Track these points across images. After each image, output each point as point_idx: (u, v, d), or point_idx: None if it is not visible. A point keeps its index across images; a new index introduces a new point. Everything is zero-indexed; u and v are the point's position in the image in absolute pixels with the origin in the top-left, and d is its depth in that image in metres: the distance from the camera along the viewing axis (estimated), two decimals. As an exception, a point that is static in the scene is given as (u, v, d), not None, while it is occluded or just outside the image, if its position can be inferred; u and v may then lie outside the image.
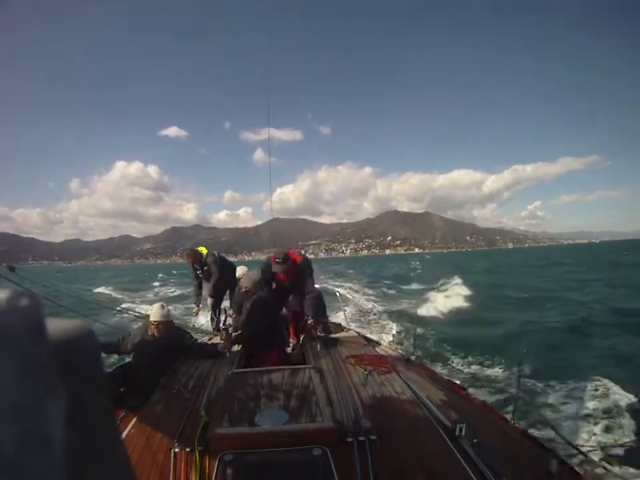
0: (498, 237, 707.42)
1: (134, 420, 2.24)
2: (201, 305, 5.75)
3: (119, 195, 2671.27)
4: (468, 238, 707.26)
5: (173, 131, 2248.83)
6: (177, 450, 1.85)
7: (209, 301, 5.37)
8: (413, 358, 3.95)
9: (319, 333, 4.03)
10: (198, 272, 5.43)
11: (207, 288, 5.46)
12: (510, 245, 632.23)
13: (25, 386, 0.20)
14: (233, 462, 1.68)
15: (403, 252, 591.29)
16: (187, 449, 1.84)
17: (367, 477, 1.61)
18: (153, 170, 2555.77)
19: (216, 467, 1.67)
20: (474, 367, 6.98)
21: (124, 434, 2.07)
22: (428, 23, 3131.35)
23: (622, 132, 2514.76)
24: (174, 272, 49.48)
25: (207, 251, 5.39)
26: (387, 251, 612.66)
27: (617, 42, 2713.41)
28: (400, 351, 5.20)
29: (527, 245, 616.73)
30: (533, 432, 2.64)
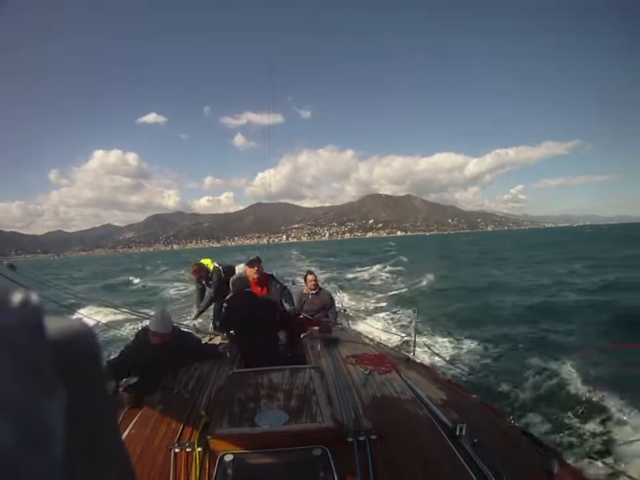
0: (480, 220, 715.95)
1: (134, 420, 2.22)
2: (201, 308, 5.64)
3: (99, 184, 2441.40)
4: (450, 221, 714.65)
5: (151, 118, 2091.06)
6: (177, 450, 1.85)
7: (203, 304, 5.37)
8: (413, 357, 3.95)
9: (319, 333, 4.01)
10: (202, 283, 5.36)
11: (208, 295, 5.40)
12: (489, 228, 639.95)
13: (24, 386, 0.20)
14: (233, 462, 1.69)
15: (385, 235, 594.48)
16: (187, 449, 1.84)
17: (367, 477, 1.61)
18: (132, 157, 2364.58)
19: (216, 467, 1.68)
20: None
21: (124, 434, 2.06)
22: (410, 4, 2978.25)
23: (602, 116, 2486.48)
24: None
25: (213, 266, 5.30)
26: (369, 234, 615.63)
27: (596, 24, 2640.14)
28: (402, 349, 5.18)
29: (506, 228, 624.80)
30: (533, 431, 2.64)
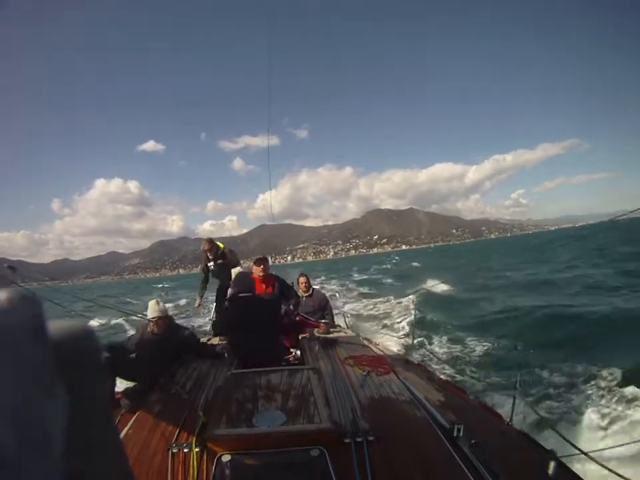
0: (484, 228, 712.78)
1: (132, 420, 2.23)
2: (203, 298, 5.74)
3: (102, 212, 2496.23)
4: (454, 231, 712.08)
5: (150, 146, 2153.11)
6: (174, 450, 1.86)
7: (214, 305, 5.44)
8: (411, 359, 3.95)
9: (317, 334, 4.00)
10: (209, 264, 5.44)
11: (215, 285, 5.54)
12: (492, 235, 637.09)
13: (25, 386, 0.20)
14: (231, 463, 1.69)
15: (390, 249, 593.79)
16: (185, 450, 1.85)
17: (365, 478, 1.61)
18: (133, 186, 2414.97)
19: (213, 468, 1.68)
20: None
21: (122, 434, 2.07)
22: (403, 15, 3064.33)
23: (597, 113, 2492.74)
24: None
25: (223, 245, 5.54)
26: (374, 250, 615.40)
27: (590, 23, 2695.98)
28: (400, 351, 5.29)
29: (509, 235, 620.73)
30: (532, 433, 2.65)
